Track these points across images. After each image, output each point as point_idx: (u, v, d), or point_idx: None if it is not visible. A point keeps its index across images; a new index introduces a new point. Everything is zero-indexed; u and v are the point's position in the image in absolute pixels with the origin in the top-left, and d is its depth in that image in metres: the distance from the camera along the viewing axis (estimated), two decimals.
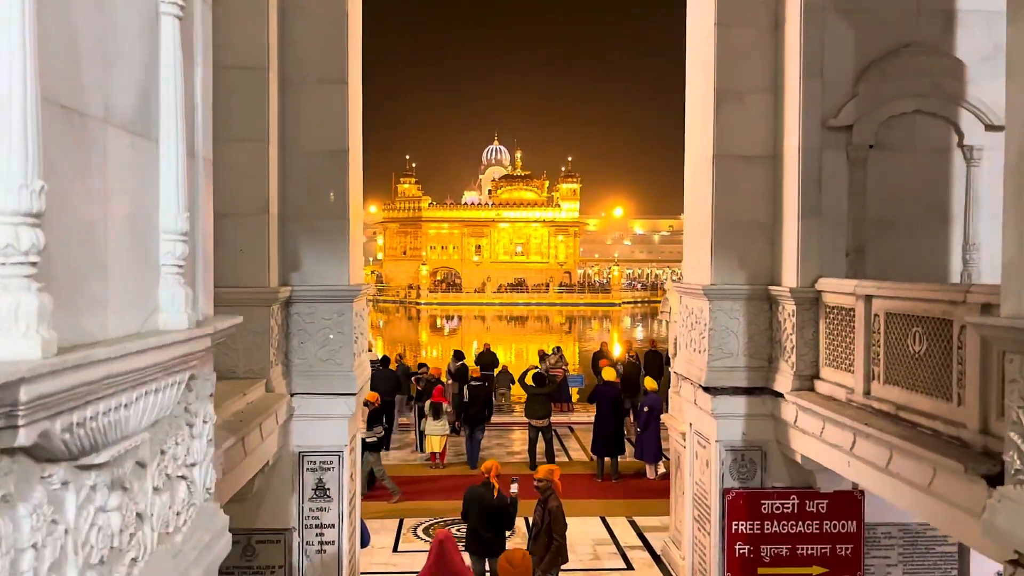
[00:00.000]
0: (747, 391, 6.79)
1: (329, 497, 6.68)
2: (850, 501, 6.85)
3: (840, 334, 5.96)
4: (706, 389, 6.85)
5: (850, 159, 6.30)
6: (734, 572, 6.86)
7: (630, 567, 12.21)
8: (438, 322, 65.68)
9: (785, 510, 6.85)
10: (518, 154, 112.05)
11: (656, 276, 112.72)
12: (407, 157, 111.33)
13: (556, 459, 16.95)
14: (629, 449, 17.31)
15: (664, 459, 16.12)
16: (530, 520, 9.61)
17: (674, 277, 12.07)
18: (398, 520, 13.35)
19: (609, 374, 17.82)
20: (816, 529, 6.86)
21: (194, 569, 2.58)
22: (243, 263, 6.12)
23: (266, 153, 6.11)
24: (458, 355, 21.29)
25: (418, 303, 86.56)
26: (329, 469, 6.68)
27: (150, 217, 2.47)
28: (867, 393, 5.44)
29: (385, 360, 20.81)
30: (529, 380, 17.89)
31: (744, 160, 6.79)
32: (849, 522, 6.87)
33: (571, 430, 19.88)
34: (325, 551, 6.69)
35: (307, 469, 6.67)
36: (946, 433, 4.49)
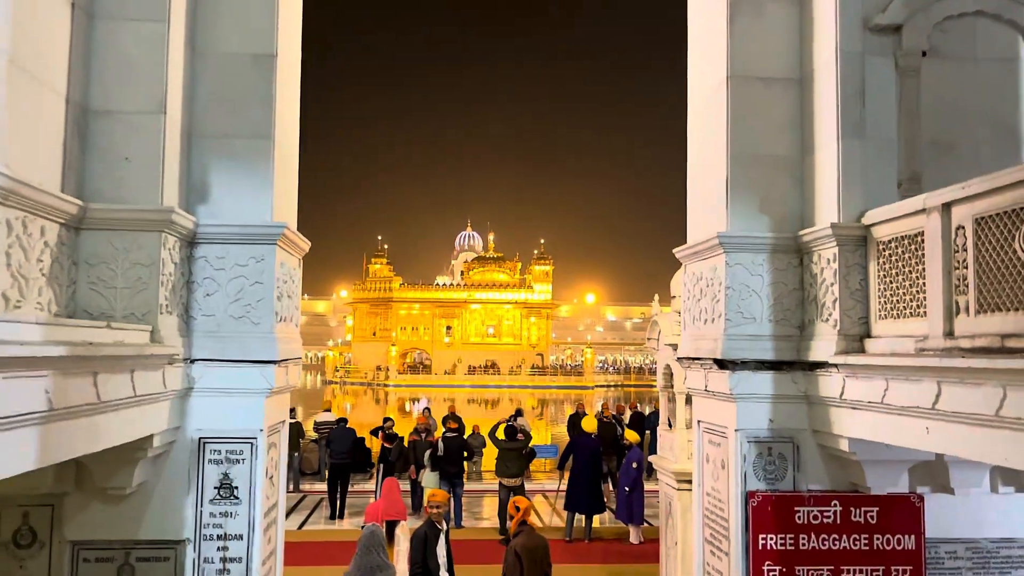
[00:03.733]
0: (774, 366, 5.39)
1: (237, 499, 5.09)
2: (907, 508, 5.39)
3: (902, 272, 4.63)
4: (722, 365, 5.43)
5: (899, 68, 5.10)
6: None
7: None
8: (407, 405, 63.74)
9: (825, 519, 5.36)
10: (491, 236, 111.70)
11: (627, 362, 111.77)
12: (379, 237, 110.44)
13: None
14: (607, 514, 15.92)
15: (647, 524, 14.70)
16: None
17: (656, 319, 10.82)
18: None
19: (589, 424, 16.47)
20: (865, 545, 5.36)
21: None
22: (128, 176, 4.70)
23: (164, 37, 4.75)
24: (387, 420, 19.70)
25: (386, 385, 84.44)
26: (238, 462, 5.11)
27: None
28: (949, 334, 4.08)
29: (343, 420, 19.30)
30: (500, 434, 16.54)
31: (764, 83, 5.57)
32: (906, 536, 5.39)
33: (545, 496, 18.35)
34: (229, 571, 5.05)
35: (209, 461, 5.09)
36: None
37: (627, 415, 22.52)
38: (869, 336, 4.94)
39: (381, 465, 16.90)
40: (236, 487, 5.09)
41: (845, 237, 4.99)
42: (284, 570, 12.01)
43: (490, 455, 18.03)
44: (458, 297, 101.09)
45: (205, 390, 5.07)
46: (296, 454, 20.05)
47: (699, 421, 6.14)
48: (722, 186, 5.55)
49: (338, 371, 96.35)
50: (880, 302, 4.84)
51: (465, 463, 16.88)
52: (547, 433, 37.10)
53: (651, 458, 12.05)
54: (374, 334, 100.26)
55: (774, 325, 5.43)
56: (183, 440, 5.05)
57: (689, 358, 6.00)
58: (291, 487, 19.56)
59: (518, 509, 8.22)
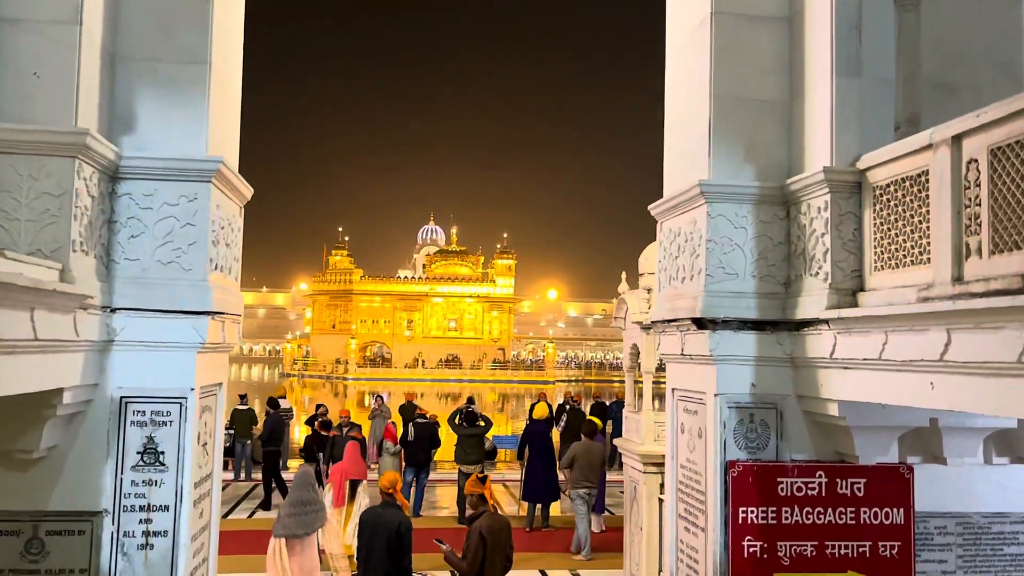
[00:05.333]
0: (757, 325, 4.97)
1: (163, 465, 4.53)
2: (896, 479, 5.01)
3: (902, 217, 4.23)
4: (701, 325, 5.00)
5: (897, 1, 4.71)
6: None
7: None
8: (366, 399, 63.00)
9: (810, 491, 4.96)
10: (453, 230, 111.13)
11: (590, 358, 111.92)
12: (339, 229, 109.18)
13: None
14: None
15: (608, 513, 14.34)
16: None
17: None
18: None
19: (541, 411, 16.04)
20: (851, 519, 4.98)
21: None
22: (38, 94, 4.12)
23: None
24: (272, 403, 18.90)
25: (345, 378, 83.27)
26: (165, 424, 4.55)
27: None
28: (958, 279, 3.69)
29: (274, 404, 18.47)
30: (459, 420, 16.07)
31: (750, 20, 5.14)
32: (895, 510, 5.01)
33: (505, 486, 17.93)
34: (152, 547, 4.50)
35: (132, 423, 4.53)
36: None
37: (586, 406, 22.26)
38: (862, 290, 4.54)
39: (321, 454, 16.26)
40: (162, 452, 4.54)
41: (838, 183, 4.58)
42: (236, 559, 11.38)
43: (447, 444, 17.56)
44: (420, 290, 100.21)
45: (128, 343, 4.51)
46: (248, 442, 19.40)
47: (673, 389, 5.71)
48: (704, 132, 5.12)
49: (296, 364, 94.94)
50: (876, 252, 4.44)
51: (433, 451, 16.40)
52: (508, 428, 36.68)
53: (616, 441, 11.68)
54: (333, 327, 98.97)
55: (758, 282, 5.02)
56: (102, 399, 4.49)
57: (665, 320, 5.57)
58: (243, 476, 18.91)
59: (482, 483, 7.66)
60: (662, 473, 9.67)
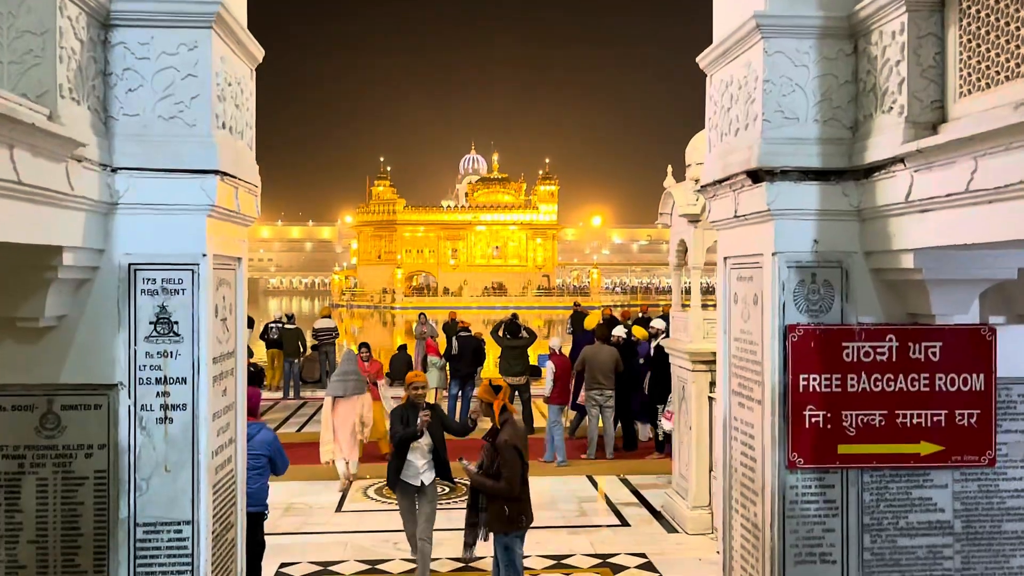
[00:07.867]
0: (820, 175, 4.46)
1: (177, 336, 4.24)
2: (976, 342, 4.52)
3: (995, 28, 3.64)
4: (757, 178, 4.50)
5: None
6: (803, 451, 4.48)
7: (625, 523, 9.96)
8: (414, 327, 63.37)
9: (879, 356, 4.50)
10: (495, 156, 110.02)
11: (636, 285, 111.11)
12: (381, 159, 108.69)
13: (535, 426, 14.90)
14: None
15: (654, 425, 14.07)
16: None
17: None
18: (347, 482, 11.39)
19: (591, 322, 15.78)
20: (925, 386, 4.52)
21: None
22: None
23: None
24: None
25: (393, 308, 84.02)
26: (177, 292, 4.25)
27: None
28: None
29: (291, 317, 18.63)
30: (502, 332, 15.87)
31: None
32: (974, 375, 4.53)
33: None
34: (172, 420, 4.25)
35: (142, 291, 4.23)
36: None
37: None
38: (944, 122, 3.99)
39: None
40: (176, 322, 4.24)
41: (917, 0, 3.99)
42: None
43: (493, 360, 17.40)
44: (463, 219, 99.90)
45: (133, 206, 4.18)
46: (297, 360, 19.59)
47: (725, 258, 5.25)
48: None
49: (344, 295, 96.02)
50: (962, 75, 3.87)
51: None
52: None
53: (664, 341, 11.33)
54: (379, 257, 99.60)
55: (821, 126, 4.48)
56: (109, 266, 4.19)
57: (716, 181, 5.07)
58: (292, 394, 19.16)
59: (497, 389, 7.00)
60: (711, 371, 9.30)
